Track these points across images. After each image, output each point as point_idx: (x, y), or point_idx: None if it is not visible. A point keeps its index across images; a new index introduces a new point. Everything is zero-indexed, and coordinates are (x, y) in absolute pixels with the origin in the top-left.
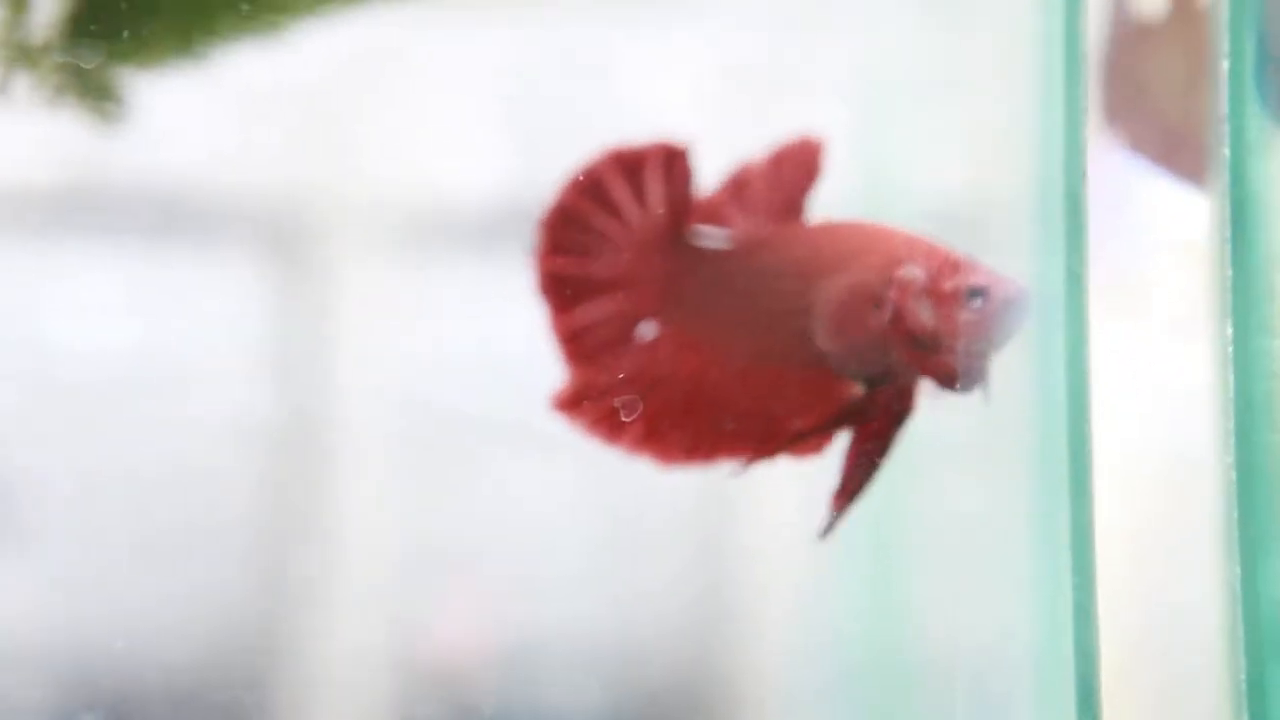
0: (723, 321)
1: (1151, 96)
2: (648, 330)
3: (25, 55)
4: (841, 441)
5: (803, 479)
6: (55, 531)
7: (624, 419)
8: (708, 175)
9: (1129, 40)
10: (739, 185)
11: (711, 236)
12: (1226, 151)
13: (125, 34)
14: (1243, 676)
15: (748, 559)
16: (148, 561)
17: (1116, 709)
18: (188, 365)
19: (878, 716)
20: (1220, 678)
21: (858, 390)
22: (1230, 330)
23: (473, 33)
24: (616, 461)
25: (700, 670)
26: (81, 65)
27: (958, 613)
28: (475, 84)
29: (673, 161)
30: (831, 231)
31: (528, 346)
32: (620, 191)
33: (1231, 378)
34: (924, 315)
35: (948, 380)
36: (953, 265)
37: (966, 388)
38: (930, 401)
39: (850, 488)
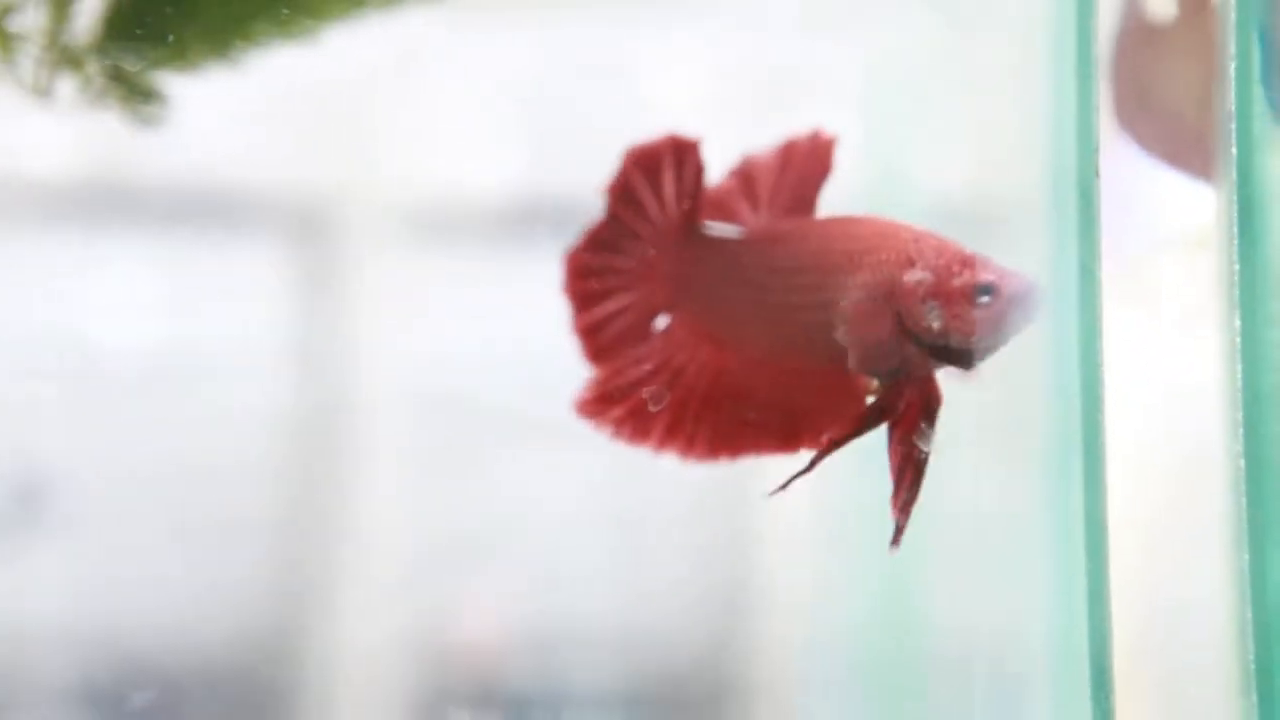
0: (736, 314)
1: (1161, 96)
2: (663, 324)
3: (68, 59)
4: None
5: (817, 468)
6: (89, 520)
7: (652, 409)
8: (719, 174)
9: (1140, 40)
10: (747, 177)
11: (723, 229)
12: (1234, 150)
13: (169, 38)
14: (1251, 662)
15: (763, 547)
16: (179, 549)
17: (1128, 695)
18: (214, 357)
19: (893, 702)
20: (1229, 664)
21: (872, 384)
22: (1238, 323)
23: (490, 36)
24: (634, 452)
25: (717, 656)
26: (122, 68)
27: (972, 601)
28: (493, 85)
29: (684, 155)
30: (844, 226)
31: (546, 339)
32: (642, 189)
33: (1240, 370)
34: (931, 316)
35: (965, 368)
36: (962, 262)
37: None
38: (945, 394)
39: (905, 490)
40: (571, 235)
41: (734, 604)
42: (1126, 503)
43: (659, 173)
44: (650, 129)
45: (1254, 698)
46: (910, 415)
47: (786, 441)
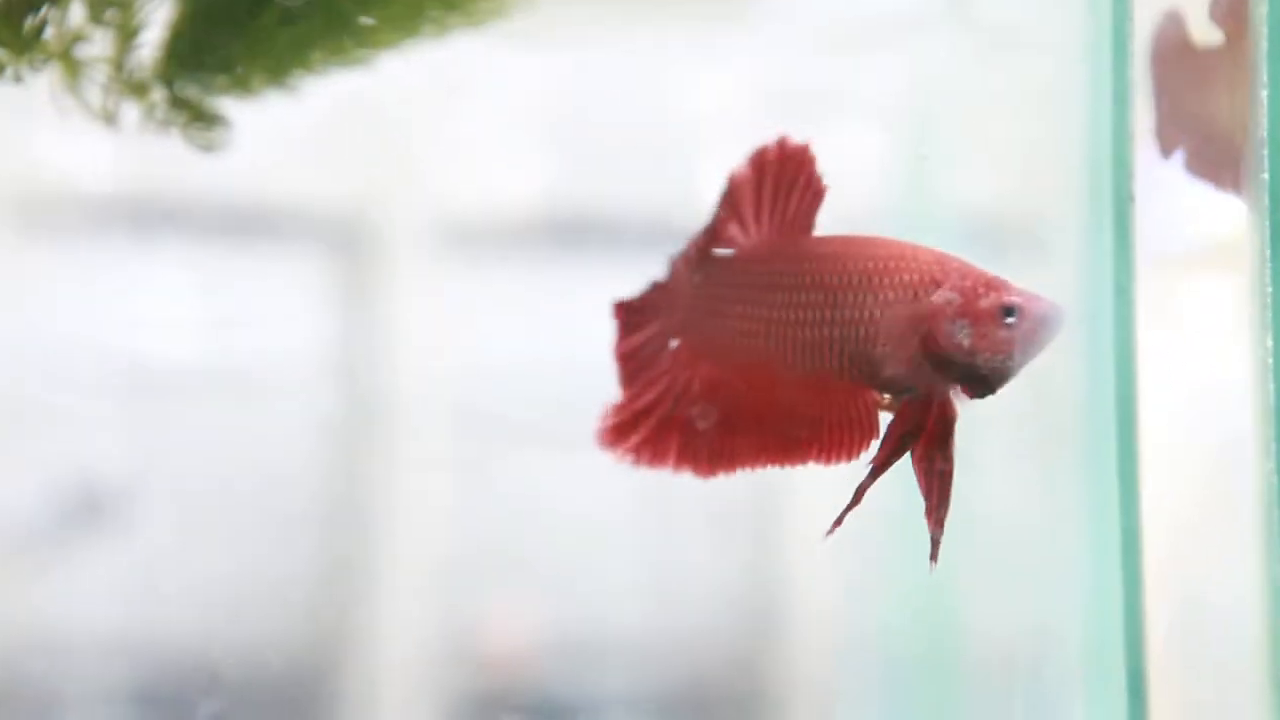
0: (739, 331)
1: (1205, 118)
2: (673, 346)
3: (133, 86)
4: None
5: (849, 470)
6: (136, 527)
7: (700, 425)
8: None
9: (1181, 62)
10: (737, 202)
11: (723, 251)
12: (1265, 174)
13: (231, 67)
14: None
15: (796, 551)
16: (222, 555)
17: (1161, 697)
18: (258, 367)
19: (927, 706)
20: (1260, 665)
21: (884, 398)
22: (1270, 342)
23: (524, 58)
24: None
25: (749, 659)
26: (184, 95)
27: (1007, 606)
28: (525, 103)
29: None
30: (858, 246)
31: (580, 348)
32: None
33: (1272, 387)
34: (960, 336)
35: (983, 392)
36: (986, 284)
37: (988, 394)
38: (980, 403)
39: (936, 503)
40: (600, 247)
41: (766, 609)
42: (1160, 509)
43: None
44: (679, 147)
45: None
46: (932, 431)
47: (797, 454)
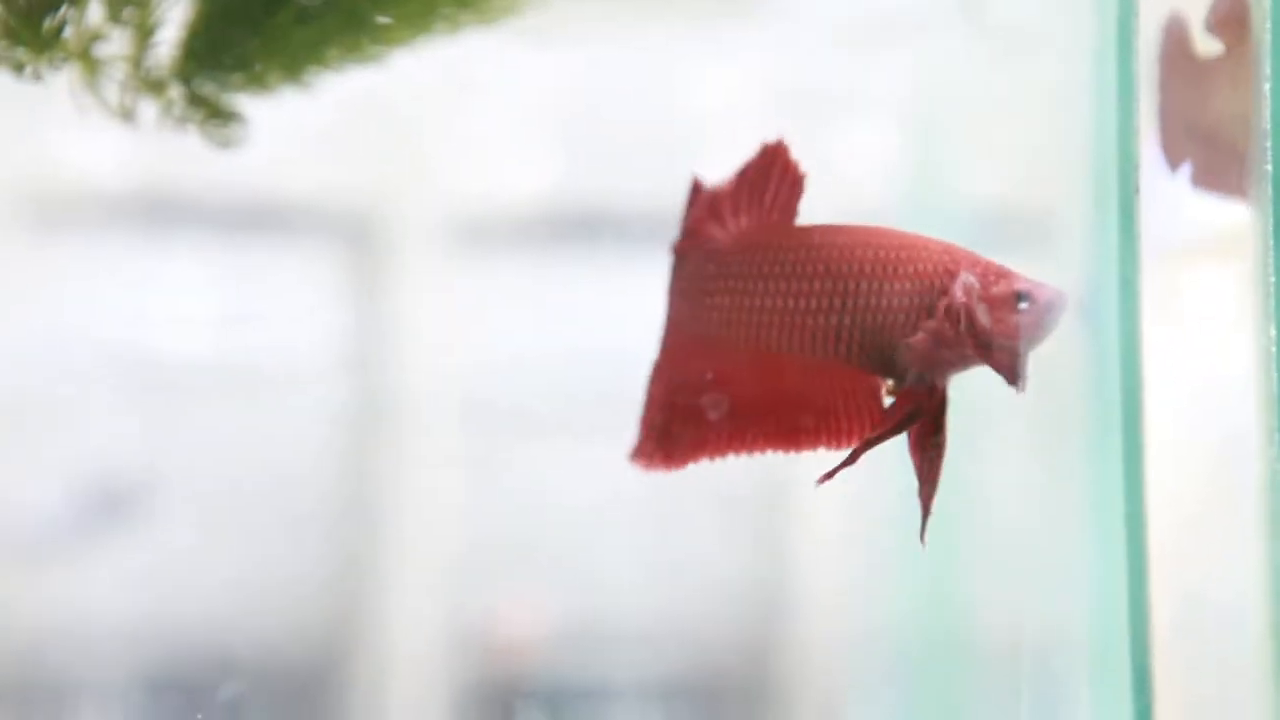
0: (729, 322)
1: (1207, 125)
2: (666, 348)
3: (151, 84)
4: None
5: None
6: (153, 519)
7: (712, 416)
8: None
9: (1183, 69)
10: (713, 203)
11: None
12: (1269, 168)
13: (247, 64)
14: None
15: (805, 541)
16: (238, 546)
17: (1167, 687)
18: (272, 358)
19: (934, 695)
20: (1265, 660)
21: (880, 383)
22: (1273, 332)
23: (535, 55)
24: None
25: (758, 648)
26: (201, 93)
27: (1014, 594)
28: (534, 100)
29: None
30: (865, 235)
31: (587, 340)
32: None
33: (1275, 377)
34: (981, 319)
35: (1003, 376)
36: (996, 272)
37: (1016, 381)
38: (985, 396)
39: (930, 481)
40: (610, 243)
41: (775, 598)
42: (1164, 501)
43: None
44: (688, 143)
45: None
46: (929, 415)
47: (805, 440)
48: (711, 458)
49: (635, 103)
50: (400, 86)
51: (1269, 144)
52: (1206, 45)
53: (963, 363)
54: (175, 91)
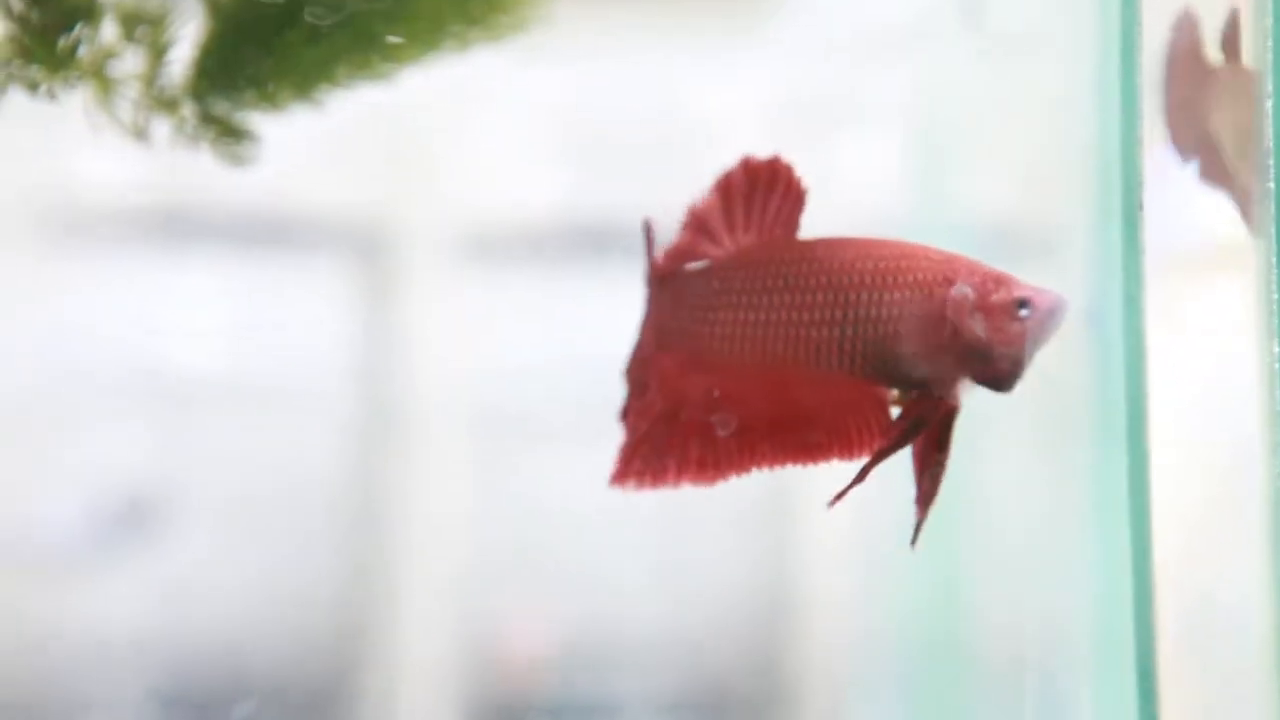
0: (727, 337)
1: (1209, 134)
2: (654, 365)
3: (163, 102)
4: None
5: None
6: (165, 531)
7: (721, 434)
8: None
9: (1191, 75)
10: (703, 219)
11: (694, 264)
12: (1271, 185)
13: (259, 83)
14: None
15: (812, 551)
16: (249, 557)
17: (1172, 693)
18: (283, 369)
19: (941, 701)
20: (1269, 666)
21: (886, 394)
22: (1276, 348)
23: (538, 72)
24: None
25: (766, 659)
26: (213, 111)
27: (1020, 602)
28: (539, 116)
29: (646, 233)
30: (865, 247)
31: (589, 349)
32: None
33: (1278, 392)
34: (979, 328)
35: (999, 384)
36: (995, 279)
37: (1012, 388)
38: (990, 401)
39: (928, 492)
40: (615, 255)
41: (783, 609)
42: (1168, 508)
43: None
44: (695, 156)
45: None
46: (935, 425)
47: (816, 453)
48: (724, 476)
49: (642, 117)
50: (410, 101)
51: (1271, 161)
52: (1215, 54)
53: (964, 371)
54: (188, 109)
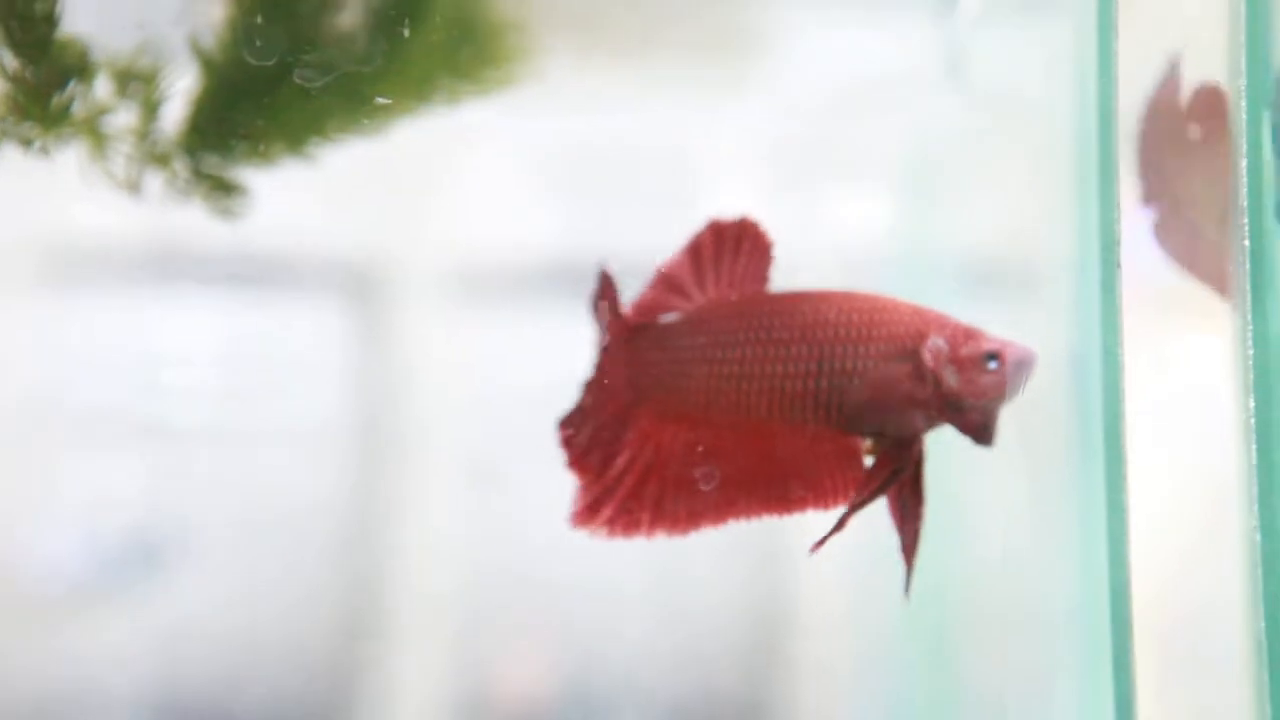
0: (703, 389)
1: (1187, 207)
2: (629, 416)
3: (156, 157)
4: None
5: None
6: (157, 571)
7: (704, 488)
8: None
9: (1167, 149)
10: (669, 279)
11: (669, 317)
12: (1246, 243)
13: (251, 139)
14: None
15: (802, 577)
16: (241, 597)
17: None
18: (281, 400)
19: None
20: (1244, 663)
21: (860, 444)
22: (1252, 403)
23: (525, 121)
24: None
25: (765, 694)
26: (206, 166)
27: (1005, 652)
28: (526, 163)
29: (605, 283)
30: (838, 301)
31: (569, 381)
32: (600, 313)
33: (1255, 450)
34: (951, 380)
35: (975, 436)
36: (966, 333)
37: (987, 440)
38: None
39: (912, 540)
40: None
41: (782, 646)
42: (1147, 561)
43: (600, 298)
44: (682, 202)
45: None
46: (908, 473)
47: (789, 503)
48: (698, 527)
49: (632, 162)
50: (404, 148)
51: (1245, 221)
52: (1187, 126)
53: (936, 422)
54: (180, 164)
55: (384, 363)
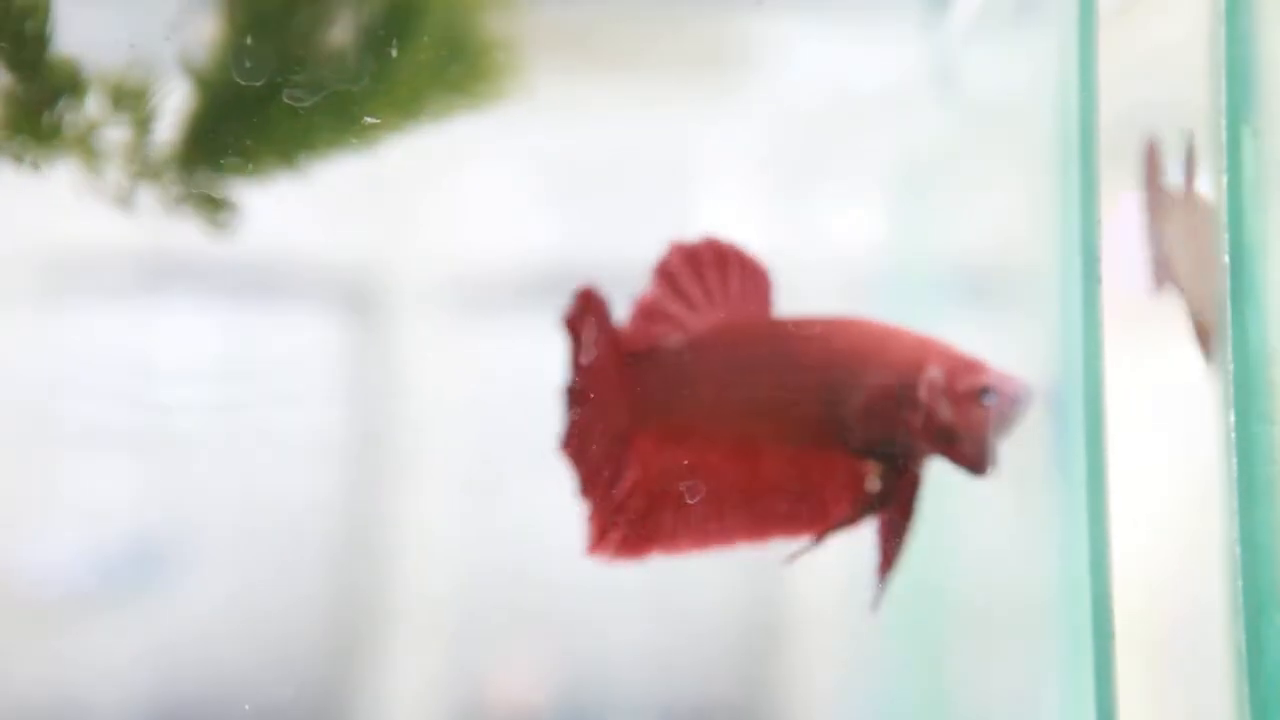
0: (708, 413)
1: (1174, 269)
2: (630, 440)
3: (148, 171)
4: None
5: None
6: (153, 577)
7: (690, 501)
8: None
9: (1158, 212)
10: (649, 308)
11: (669, 340)
12: (1226, 259)
13: (242, 155)
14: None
15: (797, 583)
16: (238, 605)
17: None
18: (278, 410)
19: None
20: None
21: (865, 468)
22: (1233, 419)
23: (519, 130)
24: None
25: (763, 707)
26: (197, 181)
27: (991, 668)
28: (519, 173)
29: (590, 301)
30: (842, 328)
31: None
32: (580, 334)
33: (1235, 465)
34: (946, 412)
35: (968, 467)
36: (965, 366)
37: (980, 470)
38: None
39: (890, 560)
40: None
41: (781, 658)
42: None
43: (582, 321)
44: (676, 212)
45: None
46: (901, 498)
47: (795, 526)
48: (704, 549)
49: (626, 172)
50: (398, 159)
51: (1226, 236)
52: (1174, 182)
53: (933, 451)
54: (171, 178)
55: (380, 372)
